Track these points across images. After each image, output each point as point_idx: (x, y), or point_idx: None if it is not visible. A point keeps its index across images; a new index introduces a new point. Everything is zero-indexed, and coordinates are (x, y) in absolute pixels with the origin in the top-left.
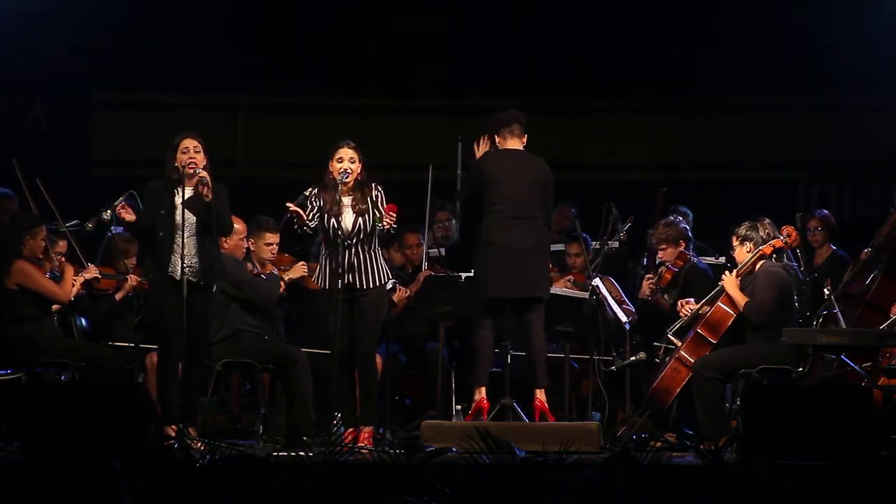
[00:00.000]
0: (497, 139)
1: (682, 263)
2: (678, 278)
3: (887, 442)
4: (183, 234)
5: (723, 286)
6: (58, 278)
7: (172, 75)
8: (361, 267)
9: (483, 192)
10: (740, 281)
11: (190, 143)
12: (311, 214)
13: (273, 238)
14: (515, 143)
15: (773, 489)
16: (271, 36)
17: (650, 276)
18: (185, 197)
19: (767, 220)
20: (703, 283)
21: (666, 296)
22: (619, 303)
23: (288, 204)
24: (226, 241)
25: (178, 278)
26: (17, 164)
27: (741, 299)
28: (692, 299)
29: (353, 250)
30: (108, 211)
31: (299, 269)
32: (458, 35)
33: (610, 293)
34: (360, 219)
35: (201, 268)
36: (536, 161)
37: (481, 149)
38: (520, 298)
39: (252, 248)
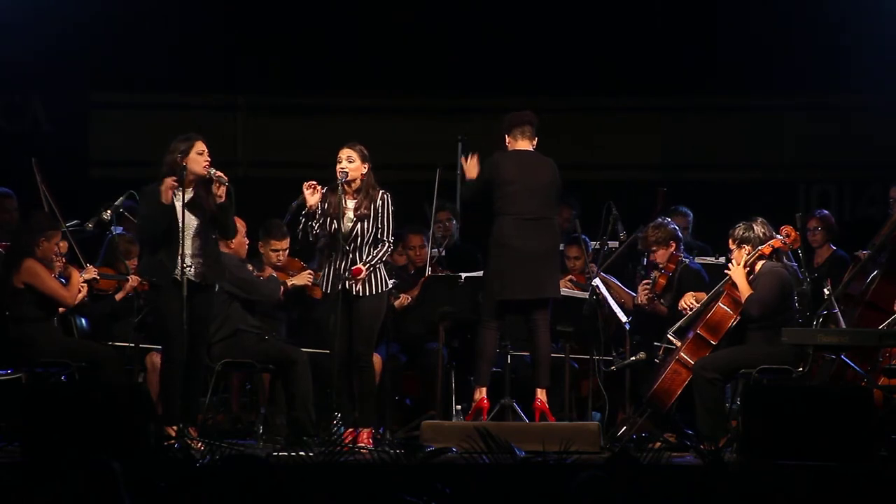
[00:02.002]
0: (507, 139)
1: (673, 266)
2: (672, 282)
3: (887, 442)
4: (184, 235)
5: (730, 276)
6: (65, 281)
7: (172, 75)
8: None
9: (493, 192)
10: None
11: (203, 146)
12: (316, 219)
13: (279, 245)
14: (526, 145)
15: (773, 489)
16: (271, 36)
17: (646, 283)
18: (186, 199)
19: (761, 220)
20: (696, 284)
21: (662, 300)
22: (619, 297)
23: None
24: (230, 241)
25: (179, 279)
26: (35, 164)
27: (746, 290)
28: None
29: (349, 256)
30: (108, 211)
31: (304, 277)
32: (459, 35)
33: (609, 288)
34: (359, 224)
35: (203, 268)
36: (547, 162)
37: (470, 164)
38: (529, 299)
39: (261, 251)
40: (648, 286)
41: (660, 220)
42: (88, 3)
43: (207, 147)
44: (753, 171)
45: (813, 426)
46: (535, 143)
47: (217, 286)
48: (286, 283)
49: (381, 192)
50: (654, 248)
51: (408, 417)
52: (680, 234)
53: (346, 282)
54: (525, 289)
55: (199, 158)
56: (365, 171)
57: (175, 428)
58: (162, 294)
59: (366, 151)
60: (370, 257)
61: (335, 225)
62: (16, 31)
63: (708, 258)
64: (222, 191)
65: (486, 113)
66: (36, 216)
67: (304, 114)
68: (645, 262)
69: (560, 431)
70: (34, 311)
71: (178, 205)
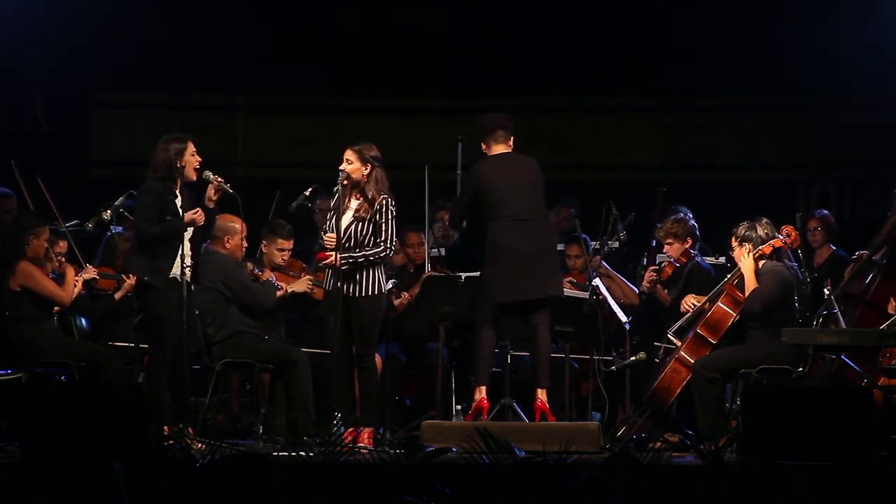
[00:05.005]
0: (483, 147)
1: (685, 260)
2: (680, 274)
3: (887, 442)
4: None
5: (738, 268)
6: (59, 279)
7: (172, 75)
8: (352, 274)
9: (482, 201)
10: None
11: (194, 147)
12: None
13: (286, 244)
14: (502, 148)
15: (773, 489)
16: (271, 36)
17: (653, 268)
18: (180, 199)
19: (765, 220)
20: (705, 283)
21: (666, 291)
22: (619, 294)
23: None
24: (227, 242)
25: (178, 280)
26: (15, 165)
27: (752, 284)
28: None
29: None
30: (108, 211)
31: (304, 283)
32: (458, 35)
33: (611, 281)
34: (353, 225)
35: (195, 269)
36: (527, 161)
37: None
38: (529, 300)
39: (264, 251)
40: (655, 271)
41: (682, 214)
42: (88, 3)
43: (197, 146)
44: (753, 171)
45: (813, 426)
46: (511, 143)
47: (207, 285)
48: (285, 288)
49: (382, 197)
50: (670, 241)
51: (408, 417)
52: (698, 232)
53: (341, 280)
54: (524, 290)
55: (192, 160)
56: (366, 172)
57: (166, 427)
58: (157, 295)
59: (368, 153)
60: (358, 252)
61: (336, 223)
62: (16, 31)
63: (708, 258)
64: (218, 195)
65: (485, 113)
66: (23, 216)
67: (304, 114)
68: (645, 262)
69: (560, 431)
70: (33, 312)
71: (179, 204)
